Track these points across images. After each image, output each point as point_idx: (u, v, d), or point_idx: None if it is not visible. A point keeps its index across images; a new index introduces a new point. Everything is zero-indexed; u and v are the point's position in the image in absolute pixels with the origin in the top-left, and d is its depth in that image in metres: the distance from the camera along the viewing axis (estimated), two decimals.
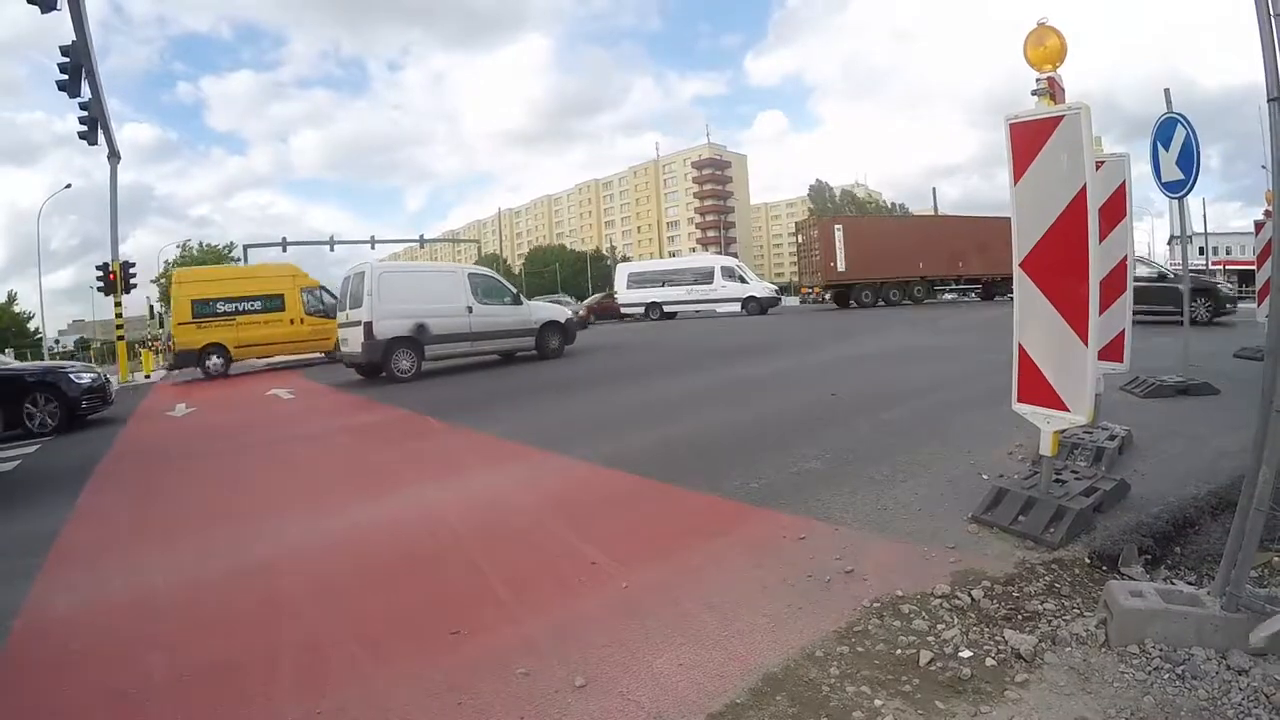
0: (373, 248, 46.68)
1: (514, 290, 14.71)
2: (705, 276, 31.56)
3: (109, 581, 3.91)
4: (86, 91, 18.48)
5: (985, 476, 4.06)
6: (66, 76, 17.66)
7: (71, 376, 11.00)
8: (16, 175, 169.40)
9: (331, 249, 46.07)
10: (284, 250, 46.00)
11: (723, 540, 3.54)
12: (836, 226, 29.21)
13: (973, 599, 2.69)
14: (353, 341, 12.87)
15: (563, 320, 15.07)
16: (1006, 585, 2.79)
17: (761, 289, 31.44)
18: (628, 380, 10.72)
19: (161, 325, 51.01)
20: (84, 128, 19.12)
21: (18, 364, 13.40)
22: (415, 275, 14.18)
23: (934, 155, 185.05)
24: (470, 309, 13.42)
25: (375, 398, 10.89)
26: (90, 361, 27.32)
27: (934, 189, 57.44)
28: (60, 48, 17.40)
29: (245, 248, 48.18)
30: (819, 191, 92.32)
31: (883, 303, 28.94)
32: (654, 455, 5.39)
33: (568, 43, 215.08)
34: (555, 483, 5.06)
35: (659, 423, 6.80)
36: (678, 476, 4.70)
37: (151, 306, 51.36)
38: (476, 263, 67.83)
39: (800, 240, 31.90)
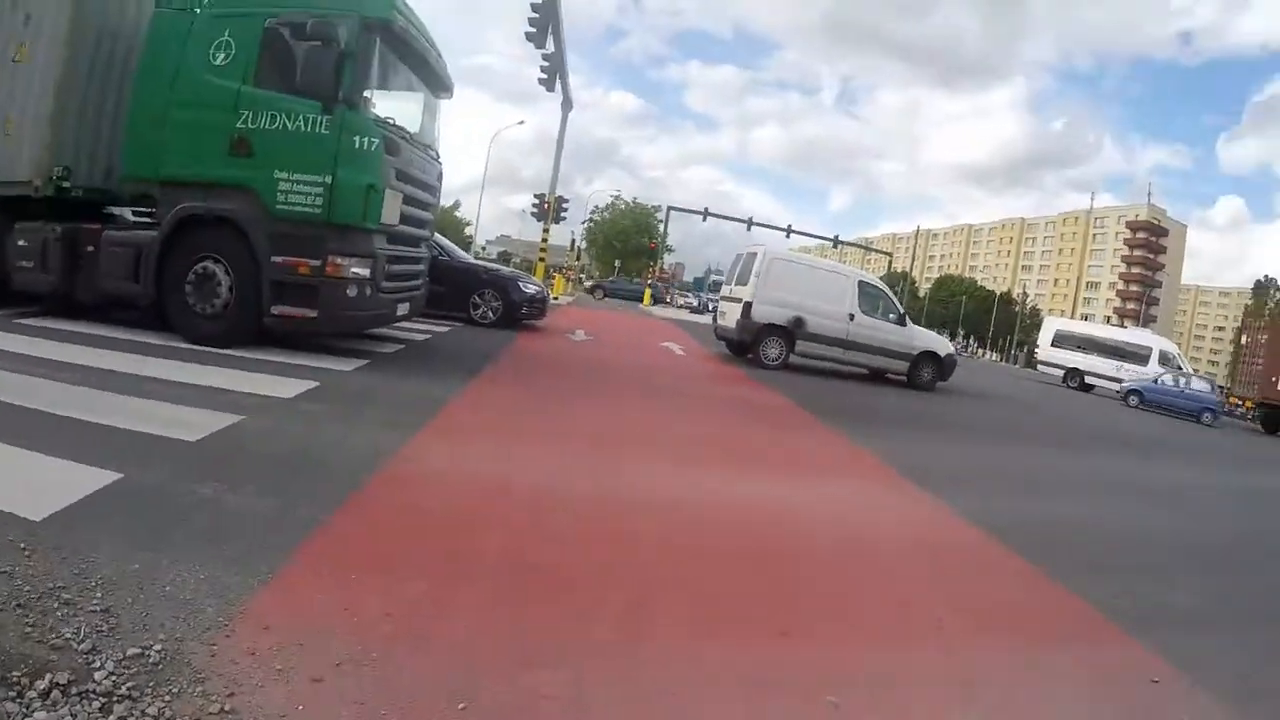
0: (788, 236, 48.10)
1: (900, 309, 14.11)
2: (1140, 357, 27.36)
3: (478, 459, 4.38)
4: (551, 45, 20.95)
5: None
6: (534, 30, 20.04)
7: (520, 284, 12.50)
8: (515, 113, 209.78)
9: (749, 228, 48.52)
10: (704, 219, 49.66)
11: (1072, 649, 3.09)
12: None
13: None
14: (729, 316, 13.26)
15: (942, 354, 14.31)
16: None
17: (1201, 387, 26.45)
18: (1014, 440, 10.49)
19: (579, 258, 57.48)
20: (544, 76, 21.82)
21: (477, 261, 15.07)
22: (805, 269, 13.66)
23: None
24: (852, 316, 12.99)
25: (762, 380, 11.20)
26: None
27: None
28: (531, 4, 19.81)
29: (668, 209, 53.07)
30: (1264, 288, 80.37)
31: None
32: (1032, 529, 4.89)
33: (1042, 96, 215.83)
34: (923, 524, 4.75)
35: (1043, 495, 6.49)
36: (1050, 561, 4.16)
37: (573, 240, 58.29)
38: (883, 277, 69.48)
39: (1245, 341, 26.64)
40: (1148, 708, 2.65)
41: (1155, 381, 24.50)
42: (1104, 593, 3.79)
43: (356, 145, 6.13)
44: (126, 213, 7.29)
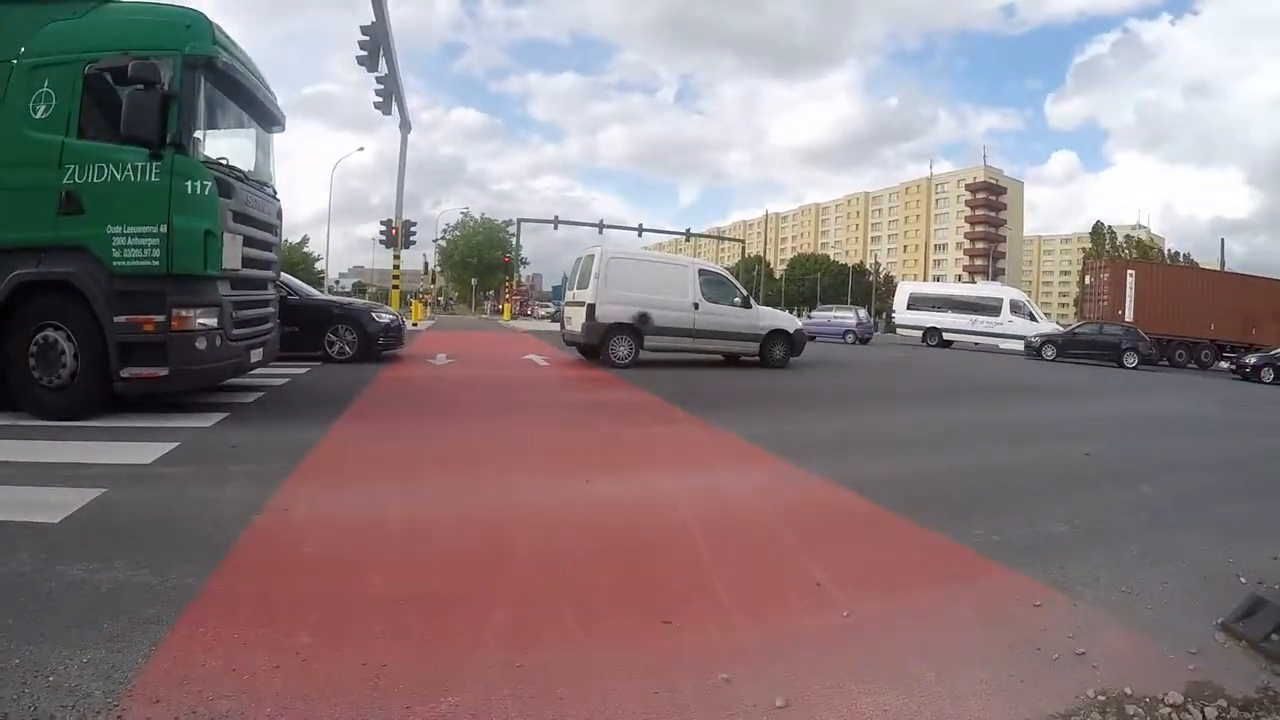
0: (640, 234, 48.33)
1: (744, 293, 14.57)
2: (992, 309, 29.90)
3: (350, 498, 4.42)
4: (383, 67, 20.40)
5: (1243, 580, 3.62)
6: (366, 53, 19.40)
7: (373, 315, 12.22)
8: (357, 140, 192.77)
9: (600, 231, 48.14)
10: (556, 228, 49.92)
11: (953, 589, 3.39)
12: (1129, 272, 27.26)
13: (1204, 717, 2.52)
14: (575, 321, 13.34)
15: (791, 330, 14.86)
16: (1243, 711, 2.54)
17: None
18: (868, 402, 10.97)
19: (434, 281, 55.05)
20: (380, 99, 21.26)
21: (329, 297, 14.61)
22: (645, 265, 14.05)
23: (1219, 208, 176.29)
24: (696, 305, 13.42)
25: (622, 378, 11.34)
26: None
27: (1222, 240, 50.99)
28: (361, 27, 19.21)
29: (519, 221, 52.37)
30: (1100, 232, 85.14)
31: (1166, 362, 26.05)
32: (896, 485, 5.23)
33: (875, 76, 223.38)
34: (791, 495, 5.04)
35: (902, 451, 6.83)
36: (918, 512, 4.52)
37: (426, 263, 55.47)
38: (738, 263, 70.79)
39: (1089, 282, 30.02)
40: (1035, 628, 2.89)
41: (811, 318, 32.41)
42: (975, 532, 4.13)
43: (189, 190, 6.00)
44: None
